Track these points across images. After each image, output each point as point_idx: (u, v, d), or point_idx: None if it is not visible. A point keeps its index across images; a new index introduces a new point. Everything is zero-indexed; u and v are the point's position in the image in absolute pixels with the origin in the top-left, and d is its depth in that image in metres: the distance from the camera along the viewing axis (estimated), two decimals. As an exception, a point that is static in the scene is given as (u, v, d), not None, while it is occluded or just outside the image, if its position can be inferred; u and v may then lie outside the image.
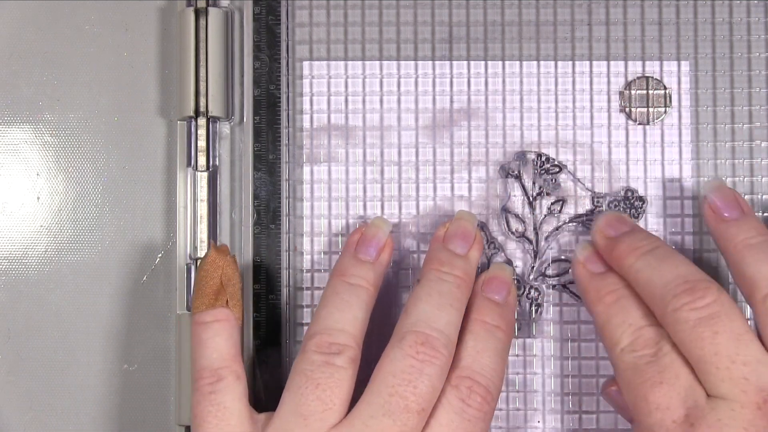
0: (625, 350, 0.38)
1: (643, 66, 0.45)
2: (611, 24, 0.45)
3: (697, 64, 0.45)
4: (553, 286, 0.44)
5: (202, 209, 0.44)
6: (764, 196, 0.44)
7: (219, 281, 0.40)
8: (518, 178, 0.44)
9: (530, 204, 0.44)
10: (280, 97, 0.45)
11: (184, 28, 0.44)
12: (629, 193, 0.44)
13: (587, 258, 0.41)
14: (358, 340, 0.39)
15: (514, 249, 0.44)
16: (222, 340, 0.39)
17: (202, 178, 0.44)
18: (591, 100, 0.45)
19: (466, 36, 0.45)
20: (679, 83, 0.45)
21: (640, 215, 0.44)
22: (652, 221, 0.44)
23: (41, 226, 0.46)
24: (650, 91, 0.45)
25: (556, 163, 0.44)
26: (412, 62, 0.45)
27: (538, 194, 0.44)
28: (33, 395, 0.45)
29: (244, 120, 0.45)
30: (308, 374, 0.38)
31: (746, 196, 0.44)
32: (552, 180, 0.44)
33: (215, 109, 0.44)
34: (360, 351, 0.39)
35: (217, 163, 0.45)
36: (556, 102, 0.45)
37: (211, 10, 0.44)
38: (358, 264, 0.41)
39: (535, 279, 0.44)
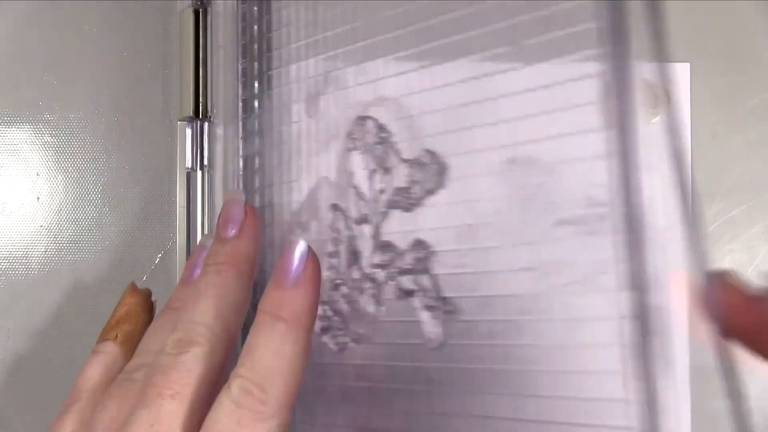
0: None
1: (643, 67, 0.45)
2: (611, 25, 0.45)
3: (696, 65, 0.45)
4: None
5: (202, 209, 0.44)
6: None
7: (118, 318, 0.40)
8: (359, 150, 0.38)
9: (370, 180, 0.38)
10: (279, 98, 0.45)
11: (184, 28, 0.44)
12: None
13: None
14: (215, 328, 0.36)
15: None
16: (93, 370, 0.39)
17: (202, 178, 0.44)
18: (590, 101, 0.45)
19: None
20: (678, 84, 0.45)
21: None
22: (652, 221, 0.44)
23: (41, 226, 0.46)
24: (649, 92, 0.45)
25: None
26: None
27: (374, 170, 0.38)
28: (33, 395, 0.45)
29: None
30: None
31: (745, 197, 0.44)
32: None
33: (215, 110, 0.44)
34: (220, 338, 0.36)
35: (217, 163, 0.45)
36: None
37: (211, 11, 0.44)
38: (219, 243, 0.38)
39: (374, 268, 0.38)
